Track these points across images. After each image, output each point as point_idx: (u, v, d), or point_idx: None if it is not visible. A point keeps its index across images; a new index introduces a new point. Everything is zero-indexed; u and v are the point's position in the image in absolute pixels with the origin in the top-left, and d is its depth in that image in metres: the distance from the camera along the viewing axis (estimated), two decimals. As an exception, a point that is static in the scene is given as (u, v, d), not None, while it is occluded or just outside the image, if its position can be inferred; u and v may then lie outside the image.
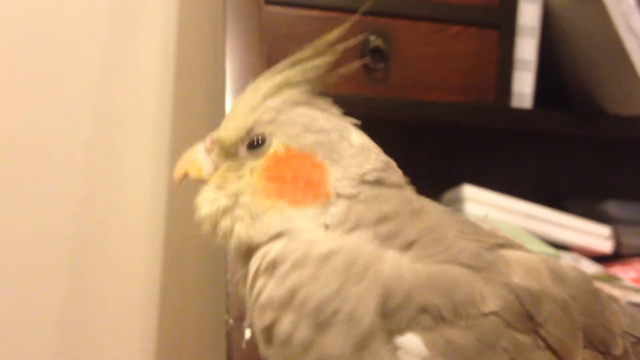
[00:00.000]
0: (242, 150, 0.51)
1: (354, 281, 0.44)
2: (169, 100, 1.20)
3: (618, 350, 0.46)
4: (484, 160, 1.18)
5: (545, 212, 1.07)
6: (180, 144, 1.15)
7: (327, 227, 0.47)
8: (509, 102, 1.10)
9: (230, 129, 0.51)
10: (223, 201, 0.50)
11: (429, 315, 0.43)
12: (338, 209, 0.48)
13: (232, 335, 0.63)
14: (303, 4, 1.01)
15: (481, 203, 1.07)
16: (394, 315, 0.43)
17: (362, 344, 0.43)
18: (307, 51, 0.51)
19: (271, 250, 0.47)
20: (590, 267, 1.02)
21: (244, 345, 0.62)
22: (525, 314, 0.44)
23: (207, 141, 0.53)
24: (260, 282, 0.47)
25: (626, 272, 1.02)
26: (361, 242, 0.46)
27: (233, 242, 0.50)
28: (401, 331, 0.43)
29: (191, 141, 0.53)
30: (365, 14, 1.06)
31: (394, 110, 1.06)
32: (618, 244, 1.10)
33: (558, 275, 0.46)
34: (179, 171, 0.53)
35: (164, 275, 1.16)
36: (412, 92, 1.07)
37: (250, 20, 0.78)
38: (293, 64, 0.51)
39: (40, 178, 1.13)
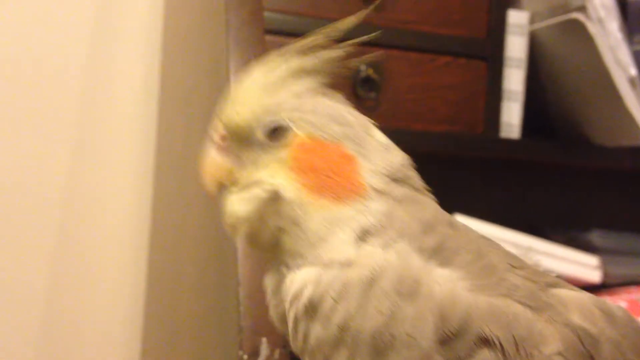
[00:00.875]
0: (260, 136, 0.47)
1: (408, 301, 0.42)
2: (154, 102, 1.19)
3: None
4: (472, 189, 1.18)
5: (534, 242, 1.07)
6: (166, 146, 1.14)
7: (365, 233, 0.44)
8: (498, 132, 1.10)
9: (245, 111, 0.47)
10: (261, 201, 0.46)
11: (491, 349, 0.41)
12: (378, 207, 0.45)
13: (246, 371, 0.61)
14: (302, 33, 1.01)
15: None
16: (451, 343, 0.41)
17: None
18: (317, 38, 0.48)
19: (305, 288, 0.44)
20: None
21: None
22: (587, 356, 0.42)
23: (215, 137, 0.48)
24: (303, 326, 0.45)
25: (616, 302, 1.03)
26: (406, 258, 0.43)
27: (277, 252, 0.46)
28: None
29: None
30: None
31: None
32: (605, 273, 1.11)
33: (608, 315, 0.45)
34: (211, 185, 0.48)
35: (150, 284, 1.14)
36: (402, 121, 1.07)
37: (252, 50, 0.77)
38: (304, 51, 0.48)
39: (23, 179, 1.11)
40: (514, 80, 1.12)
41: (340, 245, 0.44)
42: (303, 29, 0.51)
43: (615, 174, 1.19)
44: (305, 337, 0.45)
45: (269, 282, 0.49)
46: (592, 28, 1.03)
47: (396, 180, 0.46)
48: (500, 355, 0.41)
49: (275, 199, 0.46)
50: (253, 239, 0.47)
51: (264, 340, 0.62)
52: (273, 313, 0.49)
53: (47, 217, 1.14)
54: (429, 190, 0.48)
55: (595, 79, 1.07)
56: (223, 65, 0.77)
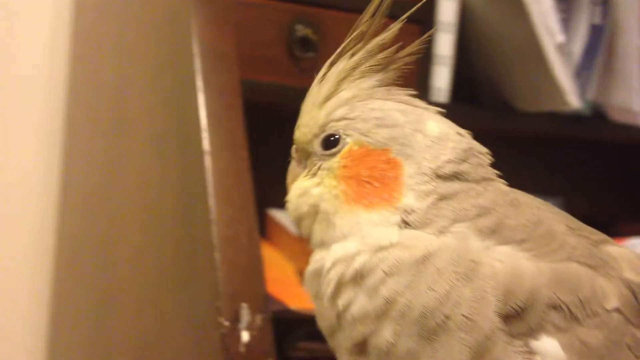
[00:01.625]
0: (318, 148, 0.49)
1: (464, 282, 0.42)
2: (60, 94, 1.12)
3: None
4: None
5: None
6: (72, 142, 1.08)
7: (406, 225, 0.45)
8: (428, 96, 1.11)
9: (303, 128, 0.50)
10: (304, 208, 0.49)
11: (560, 314, 0.42)
12: (415, 206, 0.45)
13: (228, 339, 0.59)
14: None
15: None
16: (519, 317, 0.42)
17: (481, 351, 0.41)
18: (358, 35, 0.49)
19: (355, 259, 0.44)
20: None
21: (242, 350, 0.58)
22: (639, 309, 0.44)
23: (293, 151, 0.52)
24: (346, 295, 0.44)
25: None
26: (463, 239, 0.44)
27: (311, 242, 0.49)
28: (532, 333, 0.41)
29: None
30: (293, 2, 1.04)
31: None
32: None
33: None
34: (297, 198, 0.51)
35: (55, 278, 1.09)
36: (339, 83, 1.06)
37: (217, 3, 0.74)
38: (353, 48, 0.49)
39: None
40: (444, 44, 1.13)
41: (382, 233, 0.45)
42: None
43: (538, 139, 1.23)
44: (347, 306, 0.44)
45: (309, 270, 0.49)
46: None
47: (444, 176, 0.47)
48: (569, 318, 0.42)
49: (315, 210, 0.48)
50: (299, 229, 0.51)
51: (244, 305, 0.60)
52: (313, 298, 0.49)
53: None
54: (490, 176, 0.49)
55: (524, 46, 1.10)
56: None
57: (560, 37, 1.08)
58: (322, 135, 0.49)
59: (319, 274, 0.47)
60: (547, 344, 0.42)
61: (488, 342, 0.41)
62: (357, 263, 0.44)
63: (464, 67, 1.17)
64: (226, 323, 0.59)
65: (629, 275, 0.46)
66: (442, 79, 1.12)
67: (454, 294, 0.42)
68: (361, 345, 0.44)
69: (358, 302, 0.44)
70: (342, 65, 0.49)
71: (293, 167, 0.52)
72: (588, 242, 0.46)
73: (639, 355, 0.43)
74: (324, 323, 0.47)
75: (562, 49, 1.09)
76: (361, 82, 0.49)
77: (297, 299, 0.79)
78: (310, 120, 0.49)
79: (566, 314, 0.42)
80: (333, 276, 0.45)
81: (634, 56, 1.14)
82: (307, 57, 1.03)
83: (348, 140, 0.48)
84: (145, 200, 0.77)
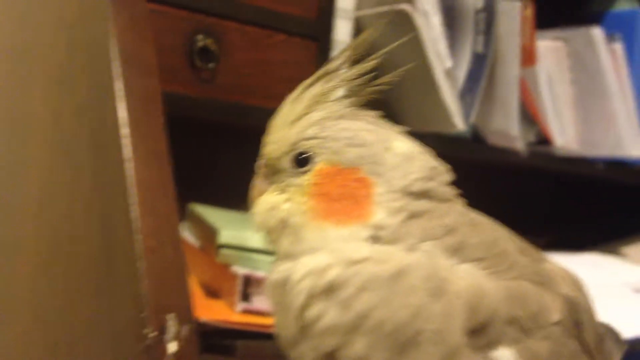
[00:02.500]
0: (288, 165, 0.50)
1: (435, 298, 0.44)
2: None
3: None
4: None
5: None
6: None
7: (376, 241, 0.46)
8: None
9: (273, 144, 0.51)
10: (272, 222, 0.50)
11: (515, 327, 0.45)
12: (386, 222, 0.47)
13: (154, 351, 0.58)
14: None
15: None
16: (482, 332, 0.44)
17: None
18: (341, 60, 0.52)
19: (327, 272, 0.46)
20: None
21: (169, 361, 0.57)
22: (575, 323, 0.49)
23: (259, 166, 0.53)
24: (316, 307, 0.45)
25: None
26: (433, 257, 0.46)
27: (277, 253, 0.49)
28: (492, 345, 0.44)
29: None
30: (195, 11, 1.04)
31: (221, 112, 1.05)
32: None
33: (579, 284, 0.51)
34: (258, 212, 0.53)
35: None
36: (238, 95, 1.06)
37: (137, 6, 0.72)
38: (329, 74, 0.51)
39: None
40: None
41: (353, 247, 0.47)
42: None
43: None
44: (317, 318, 0.45)
45: (272, 279, 0.50)
46: (418, 20, 1.10)
47: (413, 194, 0.49)
48: (521, 330, 0.46)
49: (283, 226, 0.50)
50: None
51: (171, 316, 0.59)
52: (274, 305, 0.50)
53: None
54: (452, 196, 0.51)
55: (414, 68, 1.14)
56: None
57: (448, 63, 1.14)
58: (293, 153, 0.50)
59: (283, 284, 0.47)
60: (504, 354, 0.45)
61: (454, 355, 0.44)
62: (330, 276, 0.45)
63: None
64: (152, 334, 0.58)
65: (566, 290, 0.50)
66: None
67: (425, 309, 0.44)
68: (329, 356, 0.45)
69: (329, 315, 0.45)
70: (318, 88, 0.51)
71: (259, 182, 0.53)
72: (532, 261, 0.50)
73: None
74: (285, 332, 0.47)
75: (450, 74, 1.15)
76: (333, 105, 0.51)
77: (203, 311, 0.79)
78: (281, 137, 0.51)
79: (519, 327, 0.46)
80: (303, 288, 0.46)
81: (513, 84, 1.21)
82: (208, 67, 1.03)
83: (318, 159, 0.49)
84: (51, 209, 0.74)
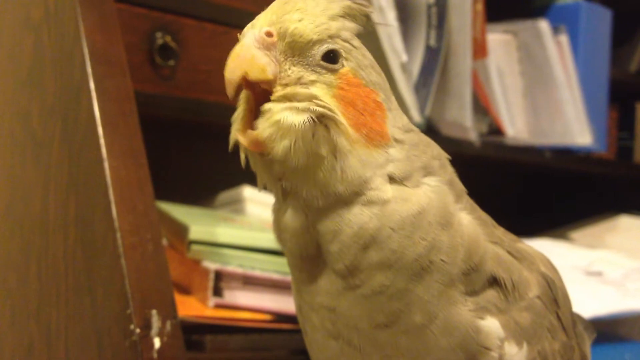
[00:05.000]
0: (316, 55, 0.46)
1: (444, 229, 0.47)
2: None
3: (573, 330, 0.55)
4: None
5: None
6: None
7: (394, 177, 0.47)
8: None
9: (308, 26, 0.46)
10: (316, 113, 0.45)
11: (497, 286, 0.48)
12: (399, 155, 0.48)
13: (140, 347, 0.58)
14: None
15: (261, 204, 1.10)
16: (471, 274, 0.48)
17: (444, 290, 0.47)
18: None
19: (362, 222, 0.46)
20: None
21: (154, 356, 0.58)
22: (553, 299, 0.52)
23: (260, 33, 0.46)
24: (354, 251, 0.46)
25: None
26: (441, 193, 0.48)
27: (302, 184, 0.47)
28: (474, 293, 0.48)
29: None
30: (152, 9, 1.04)
31: (180, 109, 1.05)
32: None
33: (553, 266, 0.54)
34: (236, 72, 0.46)
35: None
36: (197, 92, 1.07)
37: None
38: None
39: None
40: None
41: (380, 186, 0.47)
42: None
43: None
44: (357, 259, 0.47)
45: (289, 220, 0.48)
46: (374, 16, 1.12)
47: (408, 130, 0.50)
48: (504, 298, 0.49)
49: (329, 118, 0.46)
50: (286, 157, 0.46)
51: (154, 312, 0.60)
52: (295, 248, 0.49)
53: None
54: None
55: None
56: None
57: (404, 57, 1.17)
58: (328, 45, 0.46)
59: (334, 234, 0.47)
60: (491, 323, 0.48)
61: (451, 283, 0.47)
62: (371, 229, 0.46)
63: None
64: (137, 330, 0.59)
65: (543, 269, 0.53)
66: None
67: (437, 242, 0.47)
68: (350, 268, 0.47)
69: (369, 257, 0.47)
70: (346, 3, 0.49)
71: (257, 54, 0.46)
72: (510, 240, 0.53)
73: (555, 337, 0.50)
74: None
75: (405, 67, 1.17)
76: (354, 27, 0.49)
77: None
78: (320, 23, 0.46)
79: (503, 292, 0.49)
80: (352, 243, 0.47)
81: (466, 76, 1.24)
82: (167, 64, 1.03)
83: (346, 64, 0.47)
84: (22, 210, 0.74)
